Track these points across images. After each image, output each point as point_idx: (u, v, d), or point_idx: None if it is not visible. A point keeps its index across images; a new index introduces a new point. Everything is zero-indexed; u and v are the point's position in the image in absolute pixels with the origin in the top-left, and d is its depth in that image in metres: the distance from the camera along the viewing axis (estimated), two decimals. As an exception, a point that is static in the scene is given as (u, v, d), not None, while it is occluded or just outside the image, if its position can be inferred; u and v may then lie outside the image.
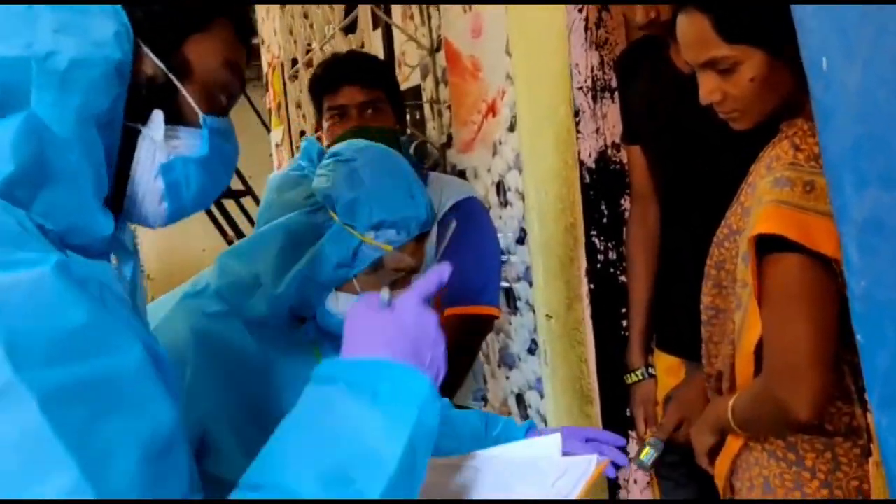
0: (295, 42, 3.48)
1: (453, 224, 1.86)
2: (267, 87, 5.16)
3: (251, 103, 5.96)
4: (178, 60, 0.78)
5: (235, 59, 0.83)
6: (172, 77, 0.77)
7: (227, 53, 0.82)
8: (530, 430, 1.26)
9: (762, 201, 1.13)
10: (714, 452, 1.34)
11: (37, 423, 0.54)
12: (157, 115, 0.77)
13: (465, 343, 1.90)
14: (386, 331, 0.77)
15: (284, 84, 4.34)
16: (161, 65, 0.77)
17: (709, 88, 1.21)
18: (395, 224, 1.11)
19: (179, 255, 6.53)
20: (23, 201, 0.66)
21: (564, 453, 1.13)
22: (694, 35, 1.20)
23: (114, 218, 0.74)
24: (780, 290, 1.12)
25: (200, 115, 0.79)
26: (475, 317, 1.88)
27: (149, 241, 6.65)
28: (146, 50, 0.75)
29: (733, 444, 1.29)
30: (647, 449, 1.19)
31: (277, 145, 4.96)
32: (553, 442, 1.10)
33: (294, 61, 3.66)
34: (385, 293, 0.80)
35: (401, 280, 1.17)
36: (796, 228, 1.08)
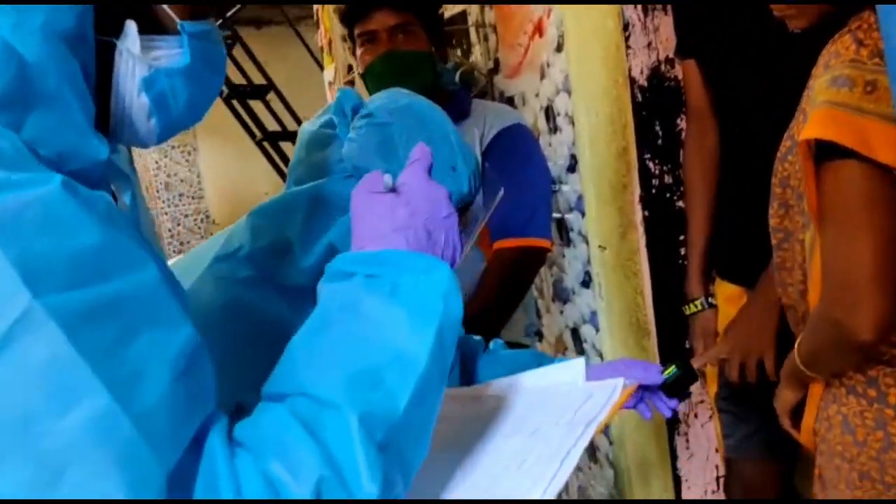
0: (338, -27, 3.37)
1: (500, 193, 1.78)
2: (318, 24, 5.07)
3: (303, 41, 5.90)
4: None
5: None
6: None
7: None
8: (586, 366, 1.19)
9: (816, 102, 1.02)
10: (798, 414, 1.25)
11: (62, 349, 0.52)
12: (131, 26, 0.71)
13: (515, 277, 1.83)
14: (395, 215, 0.73)
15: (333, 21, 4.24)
16: None
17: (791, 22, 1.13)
18: None
19: (242, 197, 6.59)
20: (11, 127, 0.61)
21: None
22: None
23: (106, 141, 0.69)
24: (835, 202, 1.02)
25: (177, 20, 0.73)
26: (524, 249, 1.81)
27: (212, 185, 6.74)
28: None
29: (815, 391, 1.20)
30: (670, 368, 1.11)
31: (330, 83, 4.89)
32: (576, 368, 1.02)
33: (339, -7, 3.56)
34: (387, 178, 0.75)
35: None
36: (852, 134, 0.97)
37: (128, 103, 0.73)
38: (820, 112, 1.01)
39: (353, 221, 0.75)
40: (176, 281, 0.63)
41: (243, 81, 5.49)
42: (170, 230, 6.64)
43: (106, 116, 0.73)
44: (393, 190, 0.76)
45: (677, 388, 1.11)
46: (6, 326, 0.51)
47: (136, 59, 0.71)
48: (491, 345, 1.34)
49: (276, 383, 0.65)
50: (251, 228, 1.09)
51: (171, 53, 0.73)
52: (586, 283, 2.14)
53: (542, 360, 1.26)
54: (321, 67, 5.32)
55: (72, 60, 0.66)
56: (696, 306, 1.68)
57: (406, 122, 1.03)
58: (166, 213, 6.59)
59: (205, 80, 0.77)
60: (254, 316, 1.02)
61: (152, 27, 0.72)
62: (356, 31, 1.77)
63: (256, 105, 5.60)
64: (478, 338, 1.33)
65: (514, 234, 1.81)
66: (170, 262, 1.11)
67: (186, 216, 6.67)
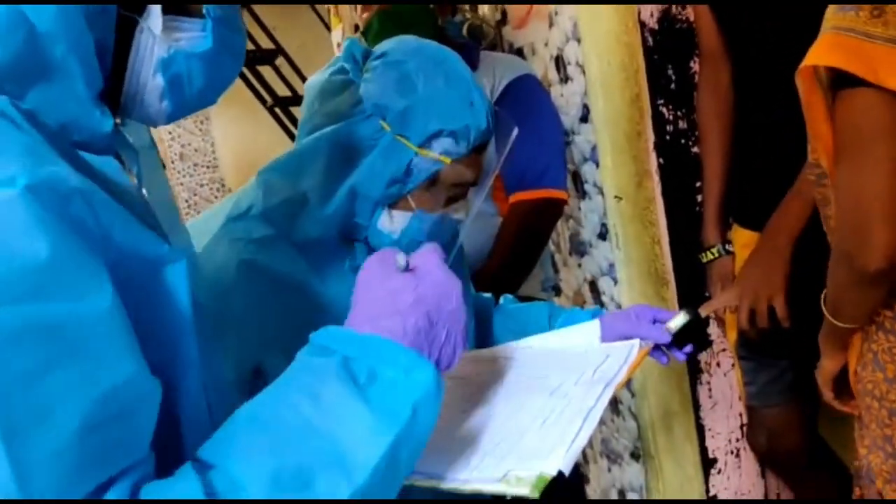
0: (341, -70, 3.31)
1: (514, 132, 1.75)
2: (325, -14, 5.00)
3: (312, 6, 5.83)
4: None
5: None
6: None
7: None
8: (597, 316, 1.17)
9: (824, 28, 0.98)
10: (840, 384, 1.21)
11: None
12: (155, 6, 0.68)
13: (532, 229, 1.81)
14: (399, 297, 0.67)
15: (339, -21, 4.17)
16: None
17: None
18: (454, 134, 1.00)
19: (256, 164, 6.54)
20: (11, 93, 0.60)
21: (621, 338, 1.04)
22: None
23: (112, 114, 0.67)
24: (844, 133, 0.98)
25: (203, 4, 0.70)
26: (541, 201, 1.79)
27: (226, 154, 6.73)
28: None
29: (857, 339, 1.16)
30: (679, 315, 1.10)
31: (338, 44, 4.83)
32: (592, 329, 1.01)
33: (342, -49, 3.50)
34: (401, 257, 0.70)
35: (457, 196, 1.07)
36: (857, 60, 0.93)
37: (142, 82, 0.71)
38: (825, 38, 0.97)
39: (355, 293, 0.70)
40: (154, 297, 0.59)
41: (251, 47, 5.44)
42: (186, 200, 6.65)
43: (118, 91, 0.71)
44: (407, 269, 0.71)
45: (688, 336, 1.10)
46: None
47: (157, 38, 0.69)
48: (501, 300, 1.33)
49: (209, 448, 0.59)
50: (263, 186, 1.07)
51: (193, 36, 0.71)
52: (603, 235, 2.11)
53: (553, 311, 1.24)
54: (329, 30, 5.26)
55: (87, 33, 0.63)
56: (713, 253, 1.65)
57: (421, 60, 1.03)
58: (182, 184, 6.60)
59: (222, 65, 0.74)
60: (270, 275, 1.01)
61: (177, 7, 0.70)
62: None
63: (266, 71, 5.55)
64: (488, 295, 1.31)
65: (530, 186, 1.78)
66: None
67: (202, 185, 6.68)
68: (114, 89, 0.70)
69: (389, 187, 1.01)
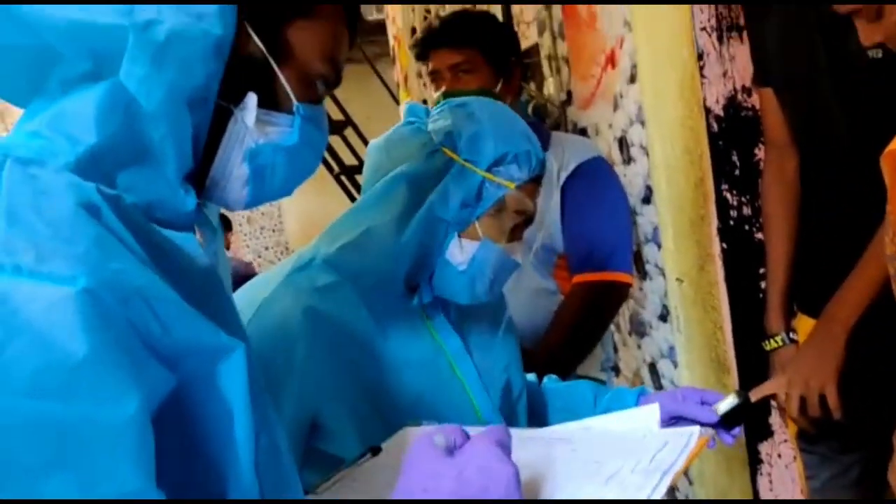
0: (413, 11, 3.44)
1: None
2: (394, 61, 5.17)
3: (380, 77, 6.02)
4: (280, 43, 0.73)
5: (338, 50, 0.78)
6: (271, 60, 0.73)
7: (331, 43, 0.77)
8: (642, 397, 1.16)
9: None
10: None
11: None
12: (251, 98, 0.72)
13: (595, 312, 1.80)
14: (440, 486, 0.62)
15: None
16: (262, 46, 0.72)
17: (865, 34, 1.12)
18: (517, 159, 1.08)
19: (320, 229, 6.71)
20: (104, 175, 0.63)
21: (673, 419, 1.03)
22: None
23: (196, 195, 0.71)
24: None
25: (295, 101, 0.74)
26: (605, 284, 1.78)
27: (292, 218, 6.89)
28: (249, 29, 0.71)
29: None
30: (728, 399, 1.08)
31: (406, 118, 4.95)
32: (651, 412, 1.00)
33: (413, 30, 3.62)
34: (440, 438, 0.65)
35: (518, 228, 1.12)
36: None
37: (229, 169, 0.74)
38: None
39: (400, 476, 0.65)
40: (189, 398, 0.60)
41: (323, 117, 5.61)
42: (251, 262, 6.82)
43: (204, 174, 0.74)
44: (451, 451, 0.65)
45: (737, 419, 1.09)
46: None
47: (249, 129, 0.73)
48: (544, 379, 1.33)
49: None
50: (327, 235, 1.12)
51: (282, 131, 0.75)
52: (664, 316, 2.09)
53: (598, 391, 1.24)
54: (397, 103, 5.41)
55: (186, 119, 0.67)
56: (776, 342, 1.62)
57: (482, 101, 1.14)
58: (248, 246, 6.77)
59: (304, 161, 0.78)
60: (333, 323, 1.03)
61: (270, 102, 0.74)
62: (427, 70, 1.81)
63: (335, 140, 5.72)
64: (530, 376, 1.31)
65: (596, 268, 1.78)
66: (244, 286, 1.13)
67: (267, 248, 6.84)
68: (200, 172, 0.74)
69: (462, 210, 1.07)
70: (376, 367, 1.05)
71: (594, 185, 1.83)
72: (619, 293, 1.83)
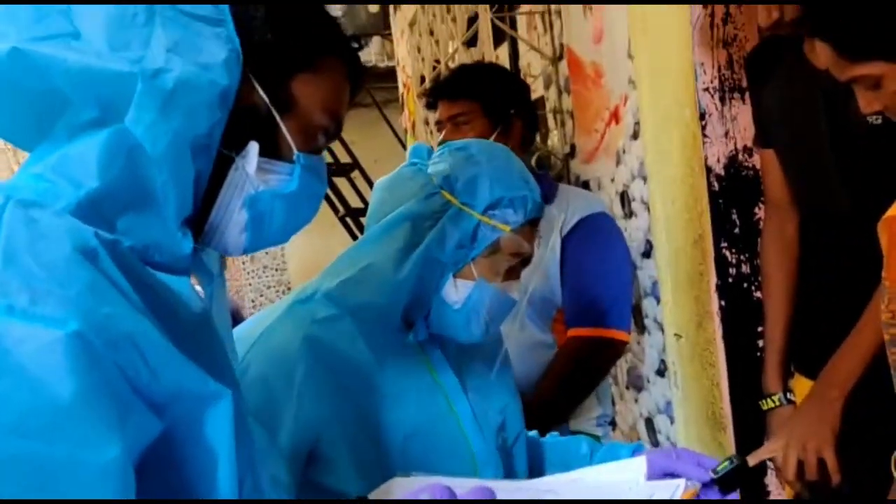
0: (423, 60, 3.50)
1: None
2: (403, 107, 5.23)
3: (388, 123, 6.09)
4: (283, 95, 0.75)
5: (339, 104, 0.81)
6: (274, 111, 0.75)
7: (332, 96, 0.79)
8: (637, 452, 1.16)
9: None
10: None
11: None
12: (253, 147, 0.74)
13: (588, 367, 1.80)
14: None
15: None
16: (265, 97, 0.74)
17: (865, 102, 1.14)
18: (513, 202, 1.10)
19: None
20: (104, 219, 0.65)
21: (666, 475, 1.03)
22: (824, 60, 1.14)
23: (194, 239, 0.72)
24: None
25: (295, 151, 0.76)
26: (600, 340, 1.78)
27: (294, 258, 6.91)
28: (253, 80, 0.73)
29: None
30: (724, 463, 1.07)
31: (412, 163, 5.00)
32: (638, 465, 1.00)
33: (422, 79, 3.68)
34: (426, 496, 0.66)
35: (514, 269, 1.14)
36: None
37: (228, 214, 0.75)
38: None
39: None
40: (173, 446, 0.61)
41: (330, 160, 5.69)
42: (252, 301, 6.82)
43: (203, 219, 0.76)
44: None
45: (733, 484, 1.07)
46: None
47: (249, 177, 0.74)
48: (547, 436, 1.33)
49: None
50: (328, 271, 1.14)
51: (281, 178, 0.76)
52: (661, 371, 2.09)
53: (593, 446, 1.24)
54: (405, 148, 5.47)
55: (189, 165, 0.69)
56: (773, 401, 1.61)
57: (483, 146, 1.17)
58: (250, 285, 6.78)
59: (302, 209, 0.80)
60: (332, 351, 1.05)
61: (271, 151, 0.75)
62: (434, 118, 1.86)
63: (341, 182, 5.77)
64: (532, 432, 1.32)
65: (592, 324, 1.78)
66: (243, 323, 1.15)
67: (269, 288, 6.85)
68: (200, 217, 0.75)
69: (457, 251, 1.09)
70: (373, 398, 1.06)
71: (596, 239, 1.84)
72: (614, 350, 1.83)
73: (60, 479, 0.53)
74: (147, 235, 0.67)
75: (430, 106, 1.87)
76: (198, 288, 0.76)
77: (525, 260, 1.16)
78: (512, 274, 1.14)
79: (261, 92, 0.74)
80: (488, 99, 1.79)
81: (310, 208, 0.81)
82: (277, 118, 0.75)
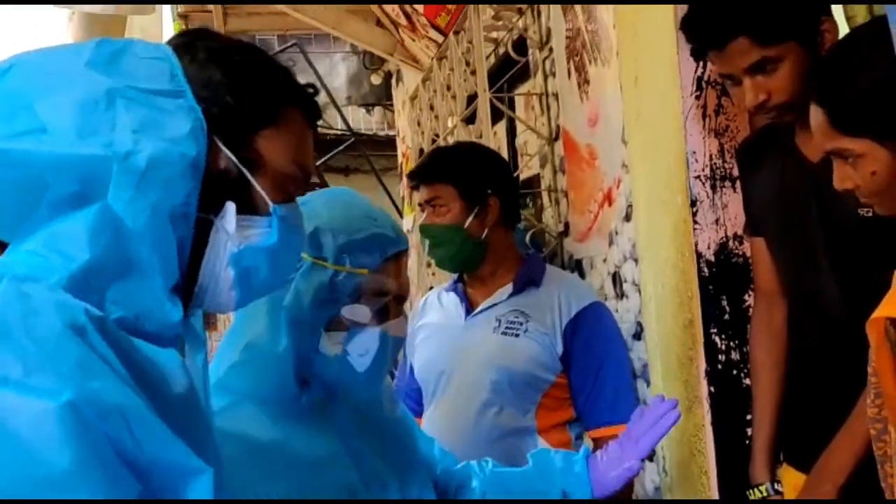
0: (422, 133, 3.56)
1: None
2: (401, 176, 5.30)
3: (386, 191, 6.15)
4: (250, 153, 0.78)
5: (304, 152, 0.83)
6: (244, 170, 0.78)
7: (297, 145, 0.82)
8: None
9: None
10: None
11: None
12: (230, 207, 0.77)
13: None
14: None
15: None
16: (234, 158, 0.77)
17: (840, 176, 1.16)
18: (363, 245, 1.10)
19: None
20: (95, 290, 0.67)
21: None
22: (815, 125, 1.17)
23: (183, 305, 0.74)
24: None
25: (270, 204, 0.79)
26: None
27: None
28: (220, 144, 0.76)
29: None
30: None
31: (408, 231, 5.04)
32: None
33: (421, 151, 3.74)
34: None
35: (386, 309, 1.14)
36: None
37: (215, 275, 0.78)
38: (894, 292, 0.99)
39: None
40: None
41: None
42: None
43: (192, 283, 0.78)
44: None
45: None
46: None
47: (230, 236, 0.77)
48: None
49: None
50: (215, 361, 1.13)
51: (261, 233, 0.79)
52: (651, 456, 2.07)
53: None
54: (401, 215, 5.51)
55: (170, 234, 0.72)
56: (760, 491, 1.60)
57: (325, 197, 1.16)
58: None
59: (285, 258, 0.83)
60: (237, 437, 1.04)
61: (247, 208, 0.78)
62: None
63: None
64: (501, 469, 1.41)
65: (603, 423, 1.80)
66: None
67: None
68: (188, 281, 0.77)
69: (319, 309, 1.08)
70: (293, 472, 1.06)
71: (595, 334, 1.86)
72: None
73: None
74: (136, 305, 0.69)
75: (415, 188, 1.92)
76: (187, 360, 0.77)
77: (398, 297, 1.15)
78: (387, 315, 1.14)
79: (229, 154, 0.76)
80: (462, 182, 1.84)
81: (292, 256, 0.85)
82: (248, 176, 0.77)
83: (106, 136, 0.69)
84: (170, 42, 0.80)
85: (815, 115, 1.16)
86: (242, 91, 0.77)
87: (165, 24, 5.00)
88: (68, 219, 0.69)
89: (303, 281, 1.08)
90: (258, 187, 0.78)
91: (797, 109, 1.39)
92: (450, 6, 3.12)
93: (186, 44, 0.78)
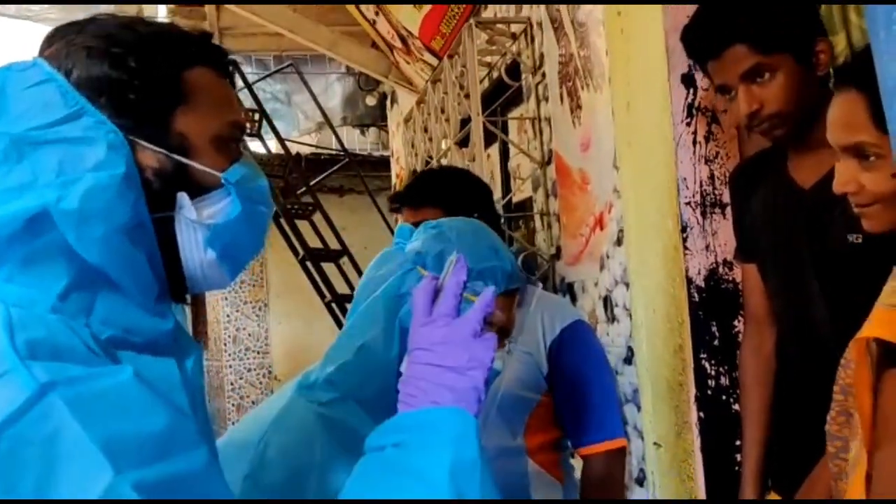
0: (416, 155, 3.58)
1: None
2: (394, 197, 5.30)
3: (379, 210, 6.16)
4: (175, 138, 0.76)
5: (229, 109, 0.80)
6: (178, 157, 0.76)
7: (217, 104, 0.79)
8: None
9: (882, 303, 0.99)
10: None
11: None
12: (183, 197, 0.76)
13: (616, 479, 1.78)
14: (431, 339, 0.83)
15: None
16: (163, 151, 0.75)
17: (844, 178, 1.09)
18: (482, 274, 1.15)
19: (306, 356, 6.69)
20: (82, 310, 0.69)
21: None
22: (845, 114, 1.07)
23: (180, 297, 0.79)
24: (892, 417, 0.96)
25: (219, 175, 0.78)
26: (619, 450, 1.78)
27: (278, 342, 6.86)
28: (143, 143, 0.74)
29: None
30: None
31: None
32: None
33: (414, 172, 3.76)
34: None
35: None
36: None
37: (198, 263, 0.78)
38: (883, 312, 0.97)
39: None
40: (216, 455, 0.72)
41: (319, 245, 5.72)
42: (232, 383, 6.72)
43: (180, 278, 0.79)
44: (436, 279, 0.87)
45: None
46: (94, 496, 0.57)
47: (195, 223, 0.77)
48: None
49: None
50: (327, 359, 1.18)
51: (222, 206, 0.78)
52: (640, 480, 2.07)
53: None
54: (393, 234, 5.51)
55: (134, 251, 0.72)
56: (750, 517, 1.60)
57: (455, 224, 1.24)
58: (230, 366, 6.70)
59: (256, 216, 0.81)
60: (344, 427, 1.09)
61: (199, 189, 0.77)
62: None
63: (329, 268, 5.79)
64: None
65: (592, 441, 1.79)
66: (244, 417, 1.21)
67: (250, 370, 6.76)
68: (176, 277, 0.78)
69: None
70: None
71: (578, 351, 1.85)
72: (618, 457, 1.82)
73: (189, 483, 0.62)
74: (124, 320, 0.71)
75: (396, 210, 1.92)
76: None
77: (502, 330, 1.20)
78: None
79: (156, 149, 0.74)
80: (449, 205, 1.84)
81: (263, 212, 0.83)
82: (185, 160, 0.76)
83: (31, 187, 0.69)
84: (42, 51, 0.75)
85: (850, 102, 1.05)
86: (139, 81, 0.73)
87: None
88: (36, 253, 0.70)
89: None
90: (199, 166, 0.76)
91: (789, 124, 1.40)
92: (444, 30, 3.15)
93: (61, 49, 0.74)
